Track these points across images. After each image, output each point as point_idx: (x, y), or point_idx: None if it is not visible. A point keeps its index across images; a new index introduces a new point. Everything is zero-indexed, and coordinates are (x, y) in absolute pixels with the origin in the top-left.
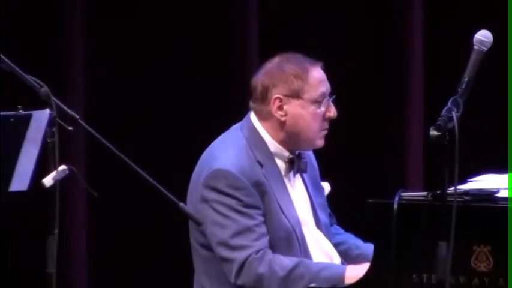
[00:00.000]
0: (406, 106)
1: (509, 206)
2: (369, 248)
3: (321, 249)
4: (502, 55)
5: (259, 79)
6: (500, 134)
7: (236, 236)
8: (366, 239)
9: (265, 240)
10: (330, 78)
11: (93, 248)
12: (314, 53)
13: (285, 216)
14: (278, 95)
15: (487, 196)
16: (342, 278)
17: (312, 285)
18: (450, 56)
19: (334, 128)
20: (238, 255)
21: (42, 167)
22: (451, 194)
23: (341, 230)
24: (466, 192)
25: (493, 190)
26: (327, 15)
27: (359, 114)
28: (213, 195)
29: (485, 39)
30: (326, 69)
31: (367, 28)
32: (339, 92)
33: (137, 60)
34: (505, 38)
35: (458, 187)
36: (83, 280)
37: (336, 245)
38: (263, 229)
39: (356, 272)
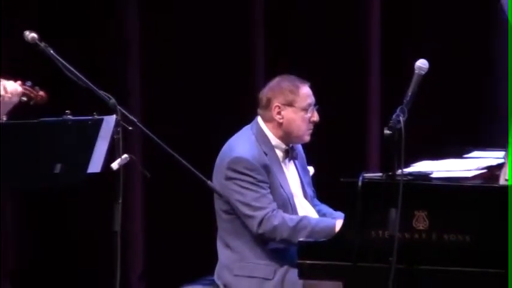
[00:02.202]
0: (367, 115)
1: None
2: (338, 214)
3: (306, 213)
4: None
5: (264, 93)
6: (433, 133)
7: (255, 201)
8: (337, 207)
9: (275, 204)
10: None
11: (146, 213)
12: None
13: (283, 190)
14: (277, 104)
15: (424, 176)
16: (333, 227)
17: (310, 239)
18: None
19: (317, 128)
20: (259, 214)
21: (110, 156)
22: (399, 175)
23: (318, 202)
24: (409, 173)
25: (428, 172)
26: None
27: (336, 119)
28: (235, 175)
29: (423, 66)
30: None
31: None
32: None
33: (177, 78)
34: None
35: (404, 170)
36: (139, 236)
37: (317, 212)
38: (271, 197)
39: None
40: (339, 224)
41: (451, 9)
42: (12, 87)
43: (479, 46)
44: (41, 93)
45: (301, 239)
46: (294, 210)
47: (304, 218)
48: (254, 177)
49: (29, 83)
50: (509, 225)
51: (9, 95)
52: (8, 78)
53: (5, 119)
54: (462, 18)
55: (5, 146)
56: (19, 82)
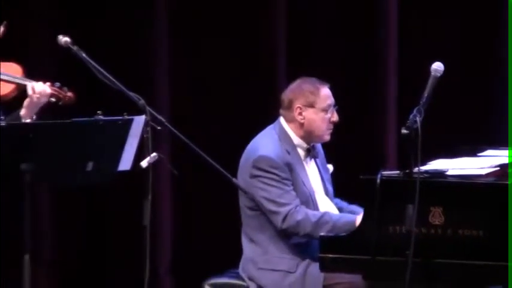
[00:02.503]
0: (385, 115)
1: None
2: (353, 207)
3: (327, 209)
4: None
5: (286, 94)
6: (447, 132)
7: (280, 197)
8: (356, 203)
9: (298, 200)
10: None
11: (174, 209)
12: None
13: (305, 187)
14: (299, 105)
15: (440, 174)
16: (354, 223)
17: (331, 234)
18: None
19: (336, 128)
20: (283, 209)
21: (140, 154)
22: (415, 172)
23: (338, 199)
24: (426, 171)
25: (443, 170)
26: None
27: (355, 119)
28: (259, 173)
29: (439, 68)
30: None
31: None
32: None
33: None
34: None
35: (420, 168)
36: (167, 231)
37: (338, 208)
38: (294, 193)
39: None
40: (359, 219)
41: (463, 9)
42: (41, 88)
43: (488, 46)
44: (69, 94)
45: (322, 234)
46: (315, 207)
47: (325, 213)
48: (278, 175)
49: (57, 84)
50: None
51: (38, 95)
52: (37, 79)
53: (34, 118)
54: (471, 18)
55: (40, 145)
56: (48, 83)
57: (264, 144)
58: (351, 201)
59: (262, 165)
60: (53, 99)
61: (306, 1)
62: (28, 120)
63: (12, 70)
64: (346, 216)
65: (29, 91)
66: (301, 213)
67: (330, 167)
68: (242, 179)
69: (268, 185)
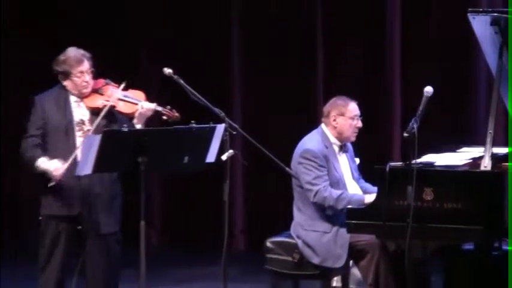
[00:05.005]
0: (392, 124)
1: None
2: (375, 189)
3: (353, 189)
4: None
5: (326, 107)
6: (433, 135)
7: (314, 179)
8: (374, 185)
9: (327, 182)
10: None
11: (245, 189)
12: None
13: (337, 173)
14: (334, 114)
15: (430, 164)
16: (363, 200)
17: (349, 206)
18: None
19: (360, 132)
20: (315, 188)
21: (220, 151)
22: (413, 163)
23: (363, 182)
24: (420, 163)
25: (432, 161)
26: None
27: (372, 126)
28: (304, 161)
29: (429, 91)
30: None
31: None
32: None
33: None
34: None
35: (416, 160)
36: (240, 204)
37: (360, 188)
38: (327, 177)
39: (368, 198)
40: (367, 197)
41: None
42: (147, 106)
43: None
44: (176, 114)
45: (349, 207)
46: (344, 187)
47: (343, 192)
48: (317, 163)
49: (168, 107)
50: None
51: (145, 110)
52: (151, 100)
53: (140, 126)
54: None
55: (151, 144)
56: (155, 104)
57: (309, 141)
58: (373, 184)
59: (307, 155)
60: (165, 118)
61: None
62: (141, 127)
63: (138, 95)
64: (358, 195)
65: (139, 107)
66: (327, 191)
67: (357, 160)
68: (293, 166)
69: (309, 170)
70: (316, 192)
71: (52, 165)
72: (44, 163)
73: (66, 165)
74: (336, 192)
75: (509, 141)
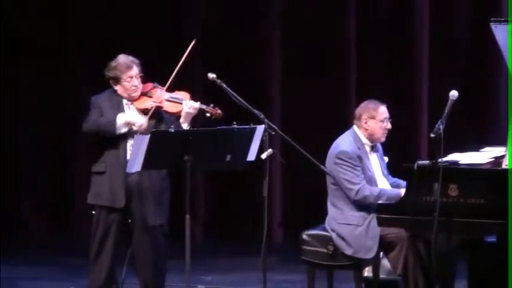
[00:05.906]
0: (420, 126)
1: (463, 167)
2: (405, 183)
3: (383, 185)
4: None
5: (357, 110)
6: (460, 136)
7: (353, 178)
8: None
9: (364, 180)
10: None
11: (282, 186)
12: None
13: (369, 171)
14: (365, 117)
15: (455, 163)
16: (400, 195)
17: (381, 201)
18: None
19: (390, 133)
20: (355, 186)
21: (260, 150)
22: (439, 162)
23: (391, 177)
24: (446, 161)
25: (457, 160)
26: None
27: (402, 128)
28: (340, 161)
29: (455, 95)
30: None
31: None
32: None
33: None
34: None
35: (442, 159)
36: (278, 199)
37: (391, 184)
38: (363, 176)
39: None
40: (403, 192)
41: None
42: (192, 104)
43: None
44: (219, 111)
45: (379, 202)
46: (375, 184)
47: (381, 189)
48: (352, 163)
49: (211, 105)
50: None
51: (190, 109)
52: (195, 99)
53: (187, 125)
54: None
55: (196, 144)
56: (199, 102)
57: (343, 143)
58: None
59: (342, 156)
60: (208, 115)
61: None
62: (187, 127)
63: (182, 95)
64: (395, 191)
65: (185, 106)
66: (367, 189)
67: (386, 158)
68: (328, 165)
69: (346, 170)
70: (358, 191)
71: (135, 117)
72: (126, 116)
73: (146, 118)
74: (375, 190)
75: (510, 141)
